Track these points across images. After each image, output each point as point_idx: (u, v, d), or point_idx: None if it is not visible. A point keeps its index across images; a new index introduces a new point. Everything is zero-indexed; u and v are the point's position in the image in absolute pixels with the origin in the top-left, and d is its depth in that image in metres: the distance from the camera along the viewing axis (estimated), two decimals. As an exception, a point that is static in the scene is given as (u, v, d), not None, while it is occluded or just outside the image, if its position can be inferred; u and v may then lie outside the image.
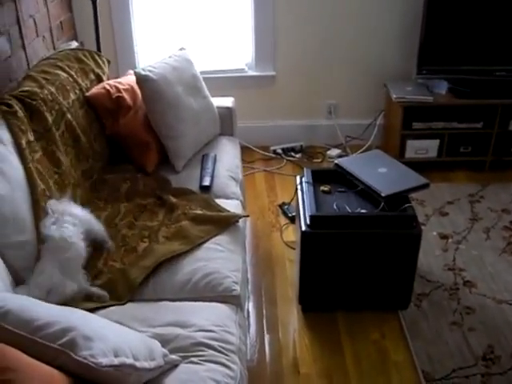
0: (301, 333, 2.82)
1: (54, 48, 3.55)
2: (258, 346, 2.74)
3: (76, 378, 1.46)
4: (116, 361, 1.50)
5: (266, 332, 2.84)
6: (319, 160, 4.41)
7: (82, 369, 1.45)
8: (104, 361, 1.46)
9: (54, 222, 2.24)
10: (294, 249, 3.34)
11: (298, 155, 4.45)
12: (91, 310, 2.00)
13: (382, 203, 2.75)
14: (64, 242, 2.18)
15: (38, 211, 2.27)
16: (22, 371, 1.33)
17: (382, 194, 2.74)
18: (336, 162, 3.04)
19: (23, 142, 2.36)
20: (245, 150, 4.05)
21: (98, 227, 2.46)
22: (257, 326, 2.87)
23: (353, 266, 2.78)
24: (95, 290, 2.21)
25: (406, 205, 2.76)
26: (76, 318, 1.61)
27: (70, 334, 1.48)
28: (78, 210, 2.39)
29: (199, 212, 2.64)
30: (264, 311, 2.96)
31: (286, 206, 3.73)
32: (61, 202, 2.36)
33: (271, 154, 4.45)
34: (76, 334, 1.48)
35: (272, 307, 2.98)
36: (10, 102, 2.47)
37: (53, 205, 2.31)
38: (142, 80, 2.94)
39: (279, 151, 4.45)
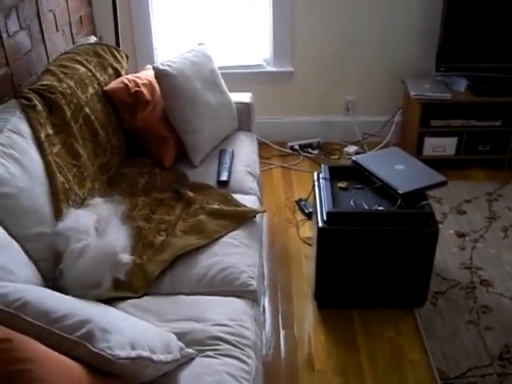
0: (316, 329, 2.82)
1: (74, 42, 3.57)
2: (273, 342, 2.75)
3: (93, 369, 1.47)
4: (133, 353, 1.51)
5: (281, 328, 2.84)
6: (336, 157, 4.40)
7: (98, 361, 1.46)
8: (121, 353, 1.47)
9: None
10: (310, 245, 3.34)
11: (315, 151, 4.44)
12: (108, 303, 2.02)
13: (399, 200, 2.74)
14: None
15: (58, 204, 2.28)
16: (40, 361, 1.33)
17: (400, 192, 2.73)
18: (353, 158, 3.03)
19: (42, 135, 2.38)
20: (262, 146, 4.05)
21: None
22: (272, 321, 2.87)
23: (369, 263, 2.77)
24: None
25: (424, 202, 2.75)
26: (93, 310, 1.62)
27: (87, 326, 1.48)
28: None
29: (216, 207, 2.65)
30: (280, 307, 2.97)
31: (302, 202, 3.73)
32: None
33: (288, 150, 4.45)
34: (93, 326, 1.49)
35: (288, 303, 2.99)
36: (29, 95, 2.49)
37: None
38: (160, 75, 2.95)
39: (296, 147, 4.45)
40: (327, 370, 2.60)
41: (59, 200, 2.29)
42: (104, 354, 1.44)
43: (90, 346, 1.45)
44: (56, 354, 1.41)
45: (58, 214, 2.26)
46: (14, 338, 1.36)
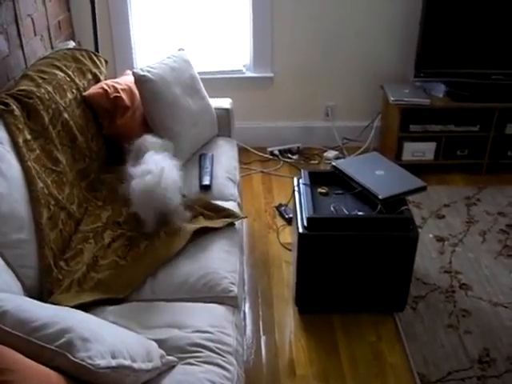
0: (297, 334, 2.82)
1: (52, 47, 3.54)
2: (254, 348, 2.74)
3: (73, 380, 1.46)
4: (113, 362, 1.50)
5: (262, 333, 2.83)
6: (316, 162, 4.41)
7: (79, 370, 1.44)
8: (101, 362, 1.46)
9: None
10: (290, 250, 3.33)
11: (294, 157, 4.45)
12: (88, 310, 2.00)
13: (379, 206, 2.75)
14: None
15: (38, 209, 2.26)
16: (21, 372, 1.32)
17: (380, 197, 2.74)
18: (333, 163, 3.04)
19: (20, 140, 2.35)
20: (242, 151, 4.05)
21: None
22: (253, 327, 2.87)
23: (349, 268, 2.78)
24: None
25: (403, 207, 2.76)
26: (73, 318, 1.60)
27: (67, 336, 1.47)
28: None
29: (199, 217, 2.64)
30: (260, 313, 2.96)
31: (282, 208, 3.73)
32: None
33: (268, 156, 4.45)
34: (73, 336, 1.47)
35: (268, 309, 2.98)
36: (6, 100, 2.46)
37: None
38: (140, 80, 2.94)
39: (276, 152, 4.45)
40: (309, 375, 2.60)
41: (40, 205, 2.26)
42: (84, 363, 1.43)
43: (70, 356, 1.43)
44: (36, 364, 1.39)
45: (39, 220, 2.24)
46: (-7, 348, 1.34)
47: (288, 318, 2.93)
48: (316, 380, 2.58)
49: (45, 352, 1.44)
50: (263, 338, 2.81)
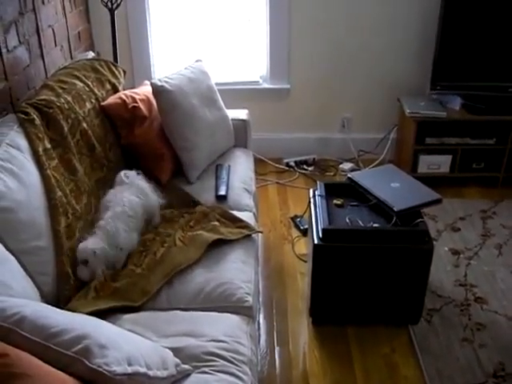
0: (311, 346, 2.83)
1: (72, 58, 3.59)
2: (268, 358, 2.75)
3: (89, 386, 1.47)
4: (129, 369, 1.51)
5: (276, 344, 2.84)
6: (332, 173, 4.42)
7: (95, 376, 1.46)
8: (118, 369, 1.47)
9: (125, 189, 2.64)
10: (305, 261, 3.34)
11: (310, 168, 4.46)
12: (104, 317, 2.02)
13: (395, 218, 2.75)
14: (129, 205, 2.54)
15: (56, 217, 2.29)
16: (38, 377, 1.34)
17: (395, 209, 2.74)
18: (349, 175, 3.05)
19: (40, 149, 2.39)
20: (258, 162, 4.07)
21: (154, 202, 2.72)
22: (267, 338, 2.88)
23: (364, 280, 2.78)
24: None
25: (419, 220, 2.77)
26: (90, 325, 1.62)
27: (84, 342, 1.49)
28: (144, 184, 2.74)
29: (216, 223, 2.66)
30: (275, 323, 2.97)
31: (298, 219, 3.74)
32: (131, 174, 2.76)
33: (284, 167, 4.47)
34: (90, 342, 1.49)
35: (283, 319, 2.99)
36: (27, 109, 2.50)
37: (124, 175, 2.73)
38: (158, 91, 2.97)
39: (292, 164, 4.47)
40: (322, 386, 2.60)
41: (58, 213, 2.29)
42: (101, 369, 1.45)
43: (87, 362, 1.45)
44: (53, 369, 1.41)
45: (57, 228, 2.27)
46: (11, 353, 1.36)
47: (302, 329, 2.93)
48: (329, 391, 2.58)
49: (62, 358, 1.46)
50: (277, 349, 2.81)
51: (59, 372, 1.41)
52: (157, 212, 2.73)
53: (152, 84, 2.98)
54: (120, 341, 1.61)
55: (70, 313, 1.75)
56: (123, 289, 2.27)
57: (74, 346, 1.47)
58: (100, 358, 1.47)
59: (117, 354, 1.51)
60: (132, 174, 2.76)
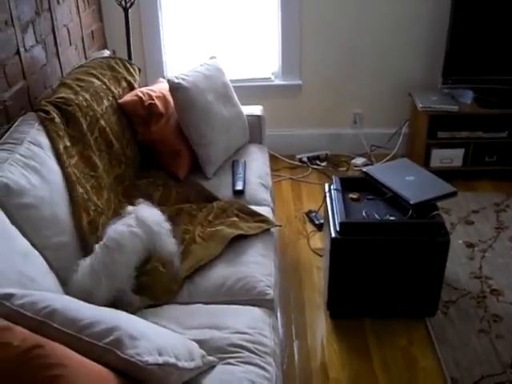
0: (329, 338, 2.85)
1: (86, 56, 3.62)
2: (287, 351, 2.77)
3: (121, 376, 1.50)
4: (160, 360, 1.54)
5: (294, 337, 2.86)
6: (344, 169, 4.44)
7: (127, 367, 1.48)
8: (149, 359, 1.50)
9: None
10: (321, 256, 3.36)
11: (323, 164, 4.48)
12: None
13: (411, 211, 2.77)
14: (113, 242, 2.16)
15: (79, 214, 2.33)
16: (72, 367, 1.36)
17: (411, 202, 2.76)
18: (364, 169, 3.07)
19: (60, 146, 2.42)
20: (271, 158, 4.07)
21: (169, 245, 2.31)
22: (286, 331, 2.90)
23: (381, 273, 2.80)
24: (133, 297, 2.22)
25: (434, 212, 2.79)
26: (119, 318, 1.64)
27: (115, 333, 1.51)
28: (152, 216, 2.30)
29: (235, 218, 2.69)
30: (292, 317, 2.99)
31: (312, 214, 3.76)
32: (138, 206, 2.35)
33: (297, 163, 4.49)
34: (121, 333, 1.52)
35: (300, 313, 3.01)
36: (46, 108, 2.53)
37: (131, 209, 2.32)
38: (174, 88, 2.99)
39: (305, 159, 4.49)
40: (341, 378, 2.62)
41: (80, 210, 2.32)
42: (133, 359, 1.47)
43: (119, 353, 1.47)
44: (87, 360, 1.43)
45: (79, 224, 2.30)
46: (46, 345, 1.39)
47: (320, 322, 2.96)
48: (348, 383, 2.60)
49: (94, 349, 1.48)
50: (296, 342, 2.84)
51: (93, 362, 1.44)
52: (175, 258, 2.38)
53: (169, 81, 3.00)
54: (149, 332, 1.63)
55: (95, 306, 1.76)
56: (147, 285, 2.29)
57: (105, 338, 1.50)
58: (131, 349, 1.49)
59: (147, 345, 1.54)
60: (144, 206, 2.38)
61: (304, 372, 2.67)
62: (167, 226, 2.32)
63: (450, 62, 4.04)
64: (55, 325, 1.51)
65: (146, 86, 3.35)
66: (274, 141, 4.33)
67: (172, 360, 1.59)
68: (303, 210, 3.89)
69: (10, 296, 1.57)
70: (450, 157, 4.11)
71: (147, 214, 2.28)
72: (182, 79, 3.01)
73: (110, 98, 2.96)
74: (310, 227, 3.71)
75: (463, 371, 2.62)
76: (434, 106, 4.01)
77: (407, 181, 2.93)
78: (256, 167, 3.22)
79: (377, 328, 2.89)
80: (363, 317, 2.95)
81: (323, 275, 3.16)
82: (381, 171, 3.05)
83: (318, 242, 3.54)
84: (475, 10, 3.91)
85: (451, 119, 4.05)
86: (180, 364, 1.63)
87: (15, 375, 1.32)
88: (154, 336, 1.64)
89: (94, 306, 1.72)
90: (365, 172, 3.05)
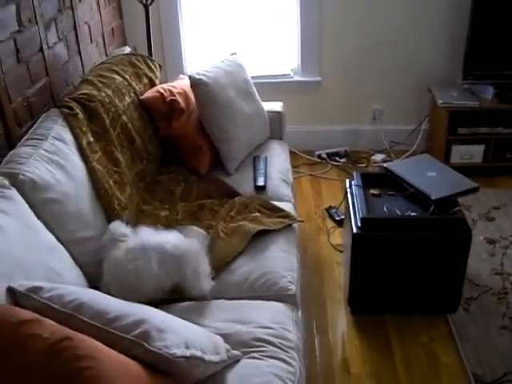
0: (350, 334, 2.85)
1: (106, 53, 3.64)
2: (308, 346, 2.77)
3: (148, 368, 1.51)
4: (187, 352, 1.55)
5: (316, 333, 2.87)
6: (364, 165, 4.43)
7: (155, 359, 1.49)
8: (177, 352, 1.51)
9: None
10: (341, 252, 3.36)
11: (342, 160, 4.47)
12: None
13: (432, 206, 2.76)
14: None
15: (103, 208, 2.36)
16: (101, 359, 1.37)
17: (432, 198, 2.75)
18: (385, 165, 3.06)
19: (84, 142, 2.44)
20: (290, 154, 4.08)
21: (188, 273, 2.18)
22: (307, 326, 2.89)
23: (402, 269, 2.80)
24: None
25: (456, 208, 2.77)
26: (145, 312, 1.66)
27: (142, 326, 1.53)
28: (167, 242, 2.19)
29: (258, 214, 2.69)
30: (313, 312, 3.00)
31: (333, 210, 3.76)
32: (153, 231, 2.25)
33: (316, 159, 4.49)
34: (149, 326, 1.53)
35: (321, 309, 3.02)
36: (70, 104, 2.56)
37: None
38: (196, 84, 3.00)
39: (324, 156, 4.49)
40: (362, 374, 2.62)
41: (105, 204, 2.35)
42: (161, 352, 1.48)
43: (147, 345, 1.49)
44: (115, 352, 1.45)
45: (104, 219, 2.33)
46: (74, 337, 1.41)
47: (341, 318, 2.96)
48: (370, 379, 2.60)
49: (122, 342, 1.50)
50: (317, 337, 2.84)
51: (121, 355, 1.45)
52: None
53: (190, 77, 3.01)
54: (175, 326, 1.64)
55: (121, 300, 1.78)
56: None
57: (133, 331, 1.51)
58: (159, 342, 1.50)
59: (175, 338, 1.55)
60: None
61: (326, 367, 2.67)
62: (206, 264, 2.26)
63: (471, 58, 4.01)
64: (83, 318, 1.53)
65: (166, 82, 3.37)
66: (292, 137, 4.32)
67: (199, 353, 1.60)
68: (323, 206, 3.89)
69: (38, 289, 1.60)
70: (471, 153, 4.09)
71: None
72: (204, 75, 3.02)
73: (132, 95, 2.98)
74: (330, 223, 3.71)
75: (485, 368, 2.61)
76: (454, 102, 3.99)
77: (428, 176, 2.92)
78: (277, 163, 3.22)
79: (398, 324, 2.88)
80: (384, 313, 2.94)
81: (344, 271, 3.15)
82: (402, 167, 3.04)
83: (338, 237, 3.54)
84: (496, 5, 3.88)
85: (471, 115, 4.03)
86: (206, 357, 1.64)
87: (45, 367, 1.34)
88: (181, 329, 1.65)
89: (119, 300, 1.74)
90: (385, 168, 3.05)
